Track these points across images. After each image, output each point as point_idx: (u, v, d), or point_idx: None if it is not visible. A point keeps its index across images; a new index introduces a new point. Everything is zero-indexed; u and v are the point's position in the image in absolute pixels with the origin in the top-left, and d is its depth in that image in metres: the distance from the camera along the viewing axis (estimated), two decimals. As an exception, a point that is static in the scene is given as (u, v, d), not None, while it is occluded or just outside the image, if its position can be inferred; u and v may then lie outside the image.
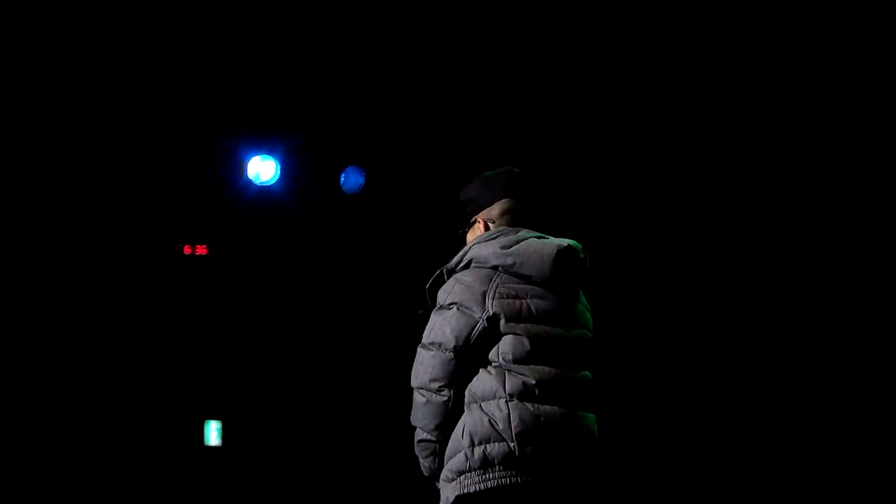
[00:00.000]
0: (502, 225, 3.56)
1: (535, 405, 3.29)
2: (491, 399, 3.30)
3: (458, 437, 3.32)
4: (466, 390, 3.35)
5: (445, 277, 3.48)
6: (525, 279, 3.42)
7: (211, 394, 7.60)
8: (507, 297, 3.38)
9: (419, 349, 3.40)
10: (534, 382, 3.30)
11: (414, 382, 3.41)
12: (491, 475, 3.26)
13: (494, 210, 3.60)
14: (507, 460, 3.26)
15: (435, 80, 7.01)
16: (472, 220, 3.63)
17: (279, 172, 7.26)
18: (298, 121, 7.22)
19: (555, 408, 3.33)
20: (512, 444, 3.26)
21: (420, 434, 3.44)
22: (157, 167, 7.38)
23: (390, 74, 7.03)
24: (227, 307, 7.53)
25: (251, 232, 7.50)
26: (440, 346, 3.35)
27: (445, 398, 3.35)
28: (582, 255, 3.52)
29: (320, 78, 7.08)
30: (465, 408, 3.33)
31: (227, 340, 7.50)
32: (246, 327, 7.53)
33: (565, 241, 3.50)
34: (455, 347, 3.33)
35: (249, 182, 7.26)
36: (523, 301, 3.40)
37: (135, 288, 7.43)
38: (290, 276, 7.51)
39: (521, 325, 3.38)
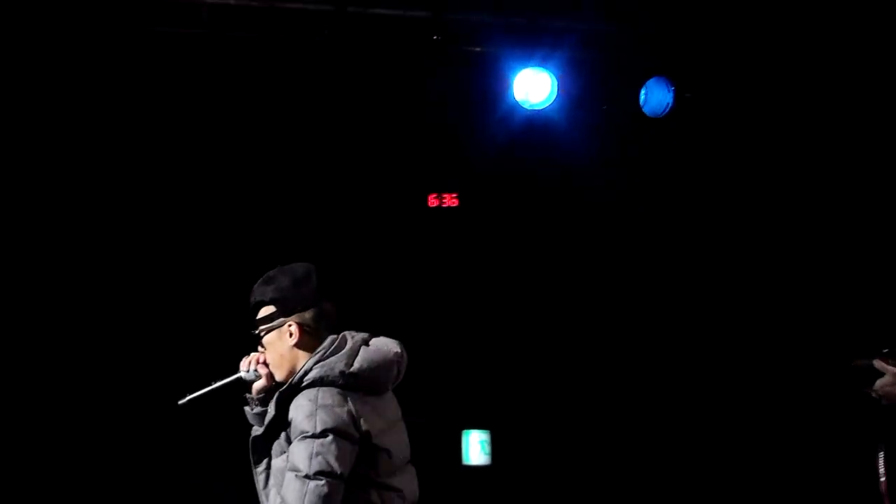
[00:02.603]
0: (321, 330, 3.72)
1: None
2: None
3: None
4: None
5: (278, 397, 3.63)
6: (371, 391, 3.63)
7: (469, 396, 6.93)
8: (367, 415, 3.57)
9: (296, 478, 3.50)
10: (403, 492, 3.61)
11: None
12: None
13: (308, 314, 3.70)
14: None
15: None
16: (279, 321, 3.72)
17: (556, 91, 6.48)
18: (581, 17, 6.36)
19: None
20: None
21: None
22: (389, 90, 6.59)
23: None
24: (487, 277, 6.94)
25: (517, 175, 6.88)
26: (328, 474, 3.46)
27: None
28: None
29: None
30: None
31: (486, 322, 6.90)
32: (511, 303, 6.91)
33: (395, 344, 3.76)
34: (342, 475, 3.49)
35: (515, 105, 6.50)
36: (377, 416, 3.62)
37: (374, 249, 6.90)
38: (575, 234, 6.79)
39: (382, 439, 3.59)
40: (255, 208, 6.74)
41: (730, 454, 6.52)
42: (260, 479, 3.66)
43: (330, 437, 3.46)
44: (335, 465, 3.45)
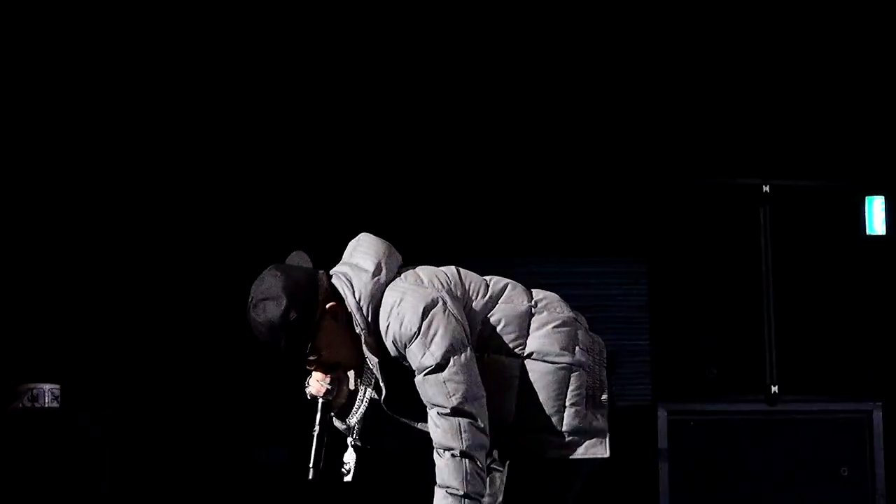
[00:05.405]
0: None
1: None
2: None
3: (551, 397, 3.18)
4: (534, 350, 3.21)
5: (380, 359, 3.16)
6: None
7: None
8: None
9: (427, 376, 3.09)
10: None
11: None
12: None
13: (324, 280, 3.14)
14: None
15: None
16: (316, 318, 3.10)
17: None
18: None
19: None
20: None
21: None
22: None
23: None
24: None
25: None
26: (455, 348, 3.14)
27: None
28: None
29: None
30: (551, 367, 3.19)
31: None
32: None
33: None
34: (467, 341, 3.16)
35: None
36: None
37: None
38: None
39: None
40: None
41: None
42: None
43: (439, 306, 3.05)
44: (458, 335, 3.04)
